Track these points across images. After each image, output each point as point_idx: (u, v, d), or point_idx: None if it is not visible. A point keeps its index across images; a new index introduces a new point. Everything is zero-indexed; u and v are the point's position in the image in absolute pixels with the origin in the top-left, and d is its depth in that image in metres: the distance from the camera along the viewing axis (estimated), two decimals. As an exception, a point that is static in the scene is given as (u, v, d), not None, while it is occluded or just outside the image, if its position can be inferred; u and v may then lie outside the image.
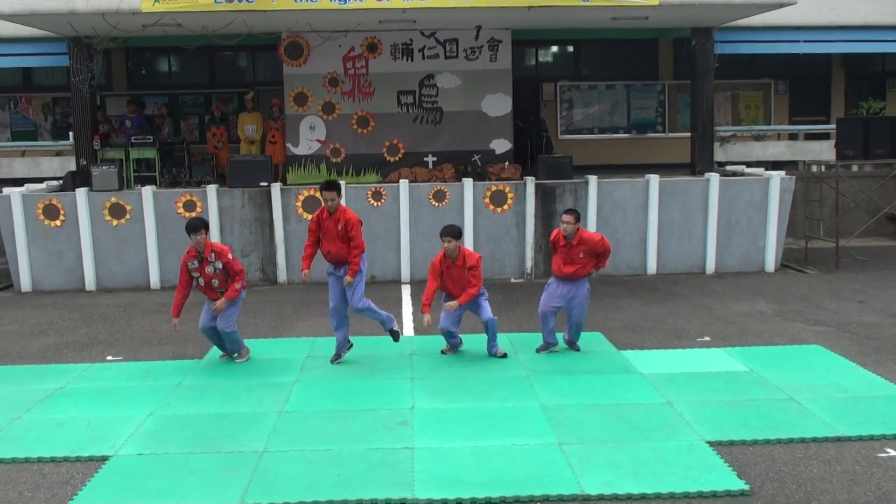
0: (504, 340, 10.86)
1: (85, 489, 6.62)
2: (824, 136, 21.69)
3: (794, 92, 22.89)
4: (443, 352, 10.49)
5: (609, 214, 15.73)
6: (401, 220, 15.51)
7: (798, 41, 19.34)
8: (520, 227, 15.69)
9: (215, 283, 9.86)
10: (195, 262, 9.86)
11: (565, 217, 10.05)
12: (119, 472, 6.95)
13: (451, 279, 10.10)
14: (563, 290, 10.19)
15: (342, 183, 15.43)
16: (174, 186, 17.20)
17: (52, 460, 7.29)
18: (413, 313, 12.93)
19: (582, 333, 10.47)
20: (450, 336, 10.34)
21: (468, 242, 15.41)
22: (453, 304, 9.94)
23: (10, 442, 7.70)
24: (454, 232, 10.02)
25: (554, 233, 10.31)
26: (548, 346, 10.40)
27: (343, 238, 9.84)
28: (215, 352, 10.40)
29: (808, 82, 22.83)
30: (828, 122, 22.06)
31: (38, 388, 9.32)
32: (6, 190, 15.35)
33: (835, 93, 22.97)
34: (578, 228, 10.05)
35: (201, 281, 9.88)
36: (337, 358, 10.10)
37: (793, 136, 22.19)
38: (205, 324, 10.04)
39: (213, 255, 9.82)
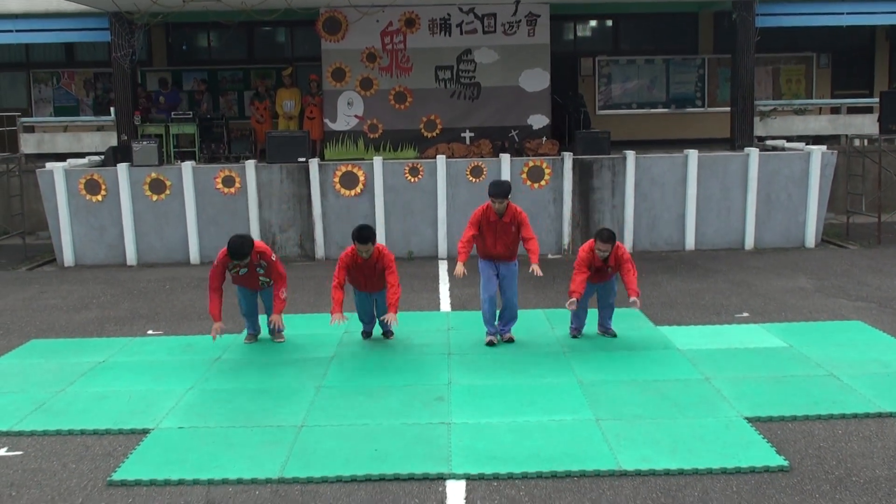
0: (541, 316, 10.86)
1: (127, 461, 6.71)
2: (867, 110, 21.38)
3: (836, 65, 22.59)
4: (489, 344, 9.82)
5: (647, 190, 15.64)
6: (438, 196, 15.51)
7: (841, 13, 19.06)
8: (557, 202, 15.64)
9: (262, 277, 9.68)
10: (235, 267, 9.55)
11: (601, 245, 9.27)
12: (160, 445, 7.04)
13: (493, 233, 9.54)
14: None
15: (379, 159, 15.49)
16: (213, 162, 17.30)
17: (95, 433, 7.40)
18: (450, 289, 12.95)
19: (619, 310, 10.39)
20: (492, 305, 9.72)
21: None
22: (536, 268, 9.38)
23: (54, 414, 7.82)
24: (505, 191, 9.41)
25: (586, 249, 9.50)
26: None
27: (380, 275, 9.60)
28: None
29: (851, 55, 22.52)
30: (871, 96, 21.74)
31: (80, 361, 9.45)
32: (49, 165, 15.52)
33: (878, 66, 22.64)
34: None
35: (241, 271, 9.59)
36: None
37: (835, 110, 21.92)
38: (250, 309, 9.99)
39: (259, 258, 9.53)
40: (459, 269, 9.46)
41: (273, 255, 9.68)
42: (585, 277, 9.39)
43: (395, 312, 9.36)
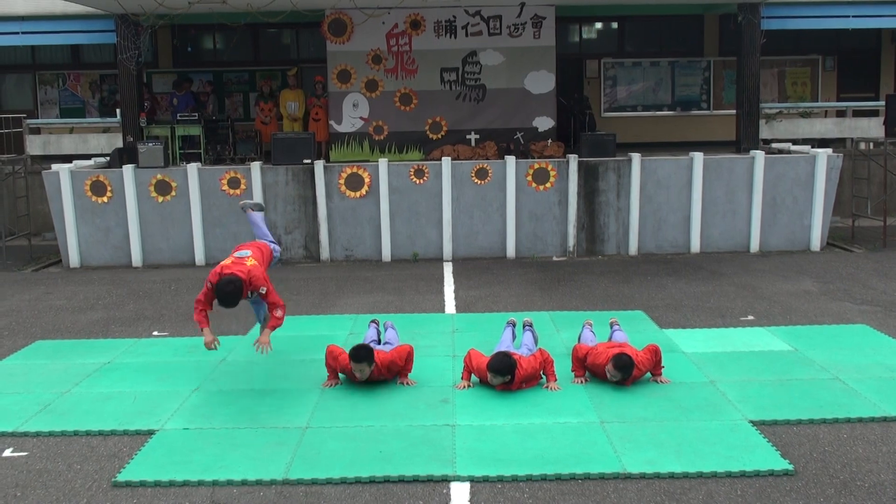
0: (546, 318, 10.85)
1: (132, 462, 6.72)
2: (873, 113, 21.37)
3: (842, 68, 22.56)
4: None
5: (652, 192, 15.63)
6: (443, 198, 15.51)
7: (847, 16, 19.02)
8: (562, 205, 15.63)
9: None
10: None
11: (615, 372, 8.20)
12: (165, 446, 7.05)
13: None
14: None
15: (384, 160, 15.50)
16: (219, 163, 17.31)
17: (100, 433, 7.41)
18: (455, 291, 12.95)
19: (624, 312, 10.39)
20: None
21: (510, 220, 15.41)
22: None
23: (60, 415, 7.84)
24: (508, 369, 8.07)
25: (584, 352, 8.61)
26: None
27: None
28: (258, 329, 10.33)
29: (856, 58, 22.49)
30: (877, 99, 21.73)
31: (86, 362, 9.47)
32: (55, 166, 15.55)
33: (884, 68, 22.61)
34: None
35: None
36: None
37: (840, 113, 21.89)
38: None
39: (250, 295, 8.38)
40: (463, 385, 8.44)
41: (264, 287, 8.35)
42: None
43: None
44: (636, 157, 15.58)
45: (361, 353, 8.19)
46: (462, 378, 8.44)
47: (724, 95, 21.87)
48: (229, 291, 8.02)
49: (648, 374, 8.46)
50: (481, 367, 8.24)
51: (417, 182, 15.53)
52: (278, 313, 8.45)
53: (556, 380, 8.32)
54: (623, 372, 8.13)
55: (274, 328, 8.47)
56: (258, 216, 9.72)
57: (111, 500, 6.16)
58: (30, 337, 10.71)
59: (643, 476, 6.33)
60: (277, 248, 9.47)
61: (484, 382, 8.31)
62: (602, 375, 8.34)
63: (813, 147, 16.99)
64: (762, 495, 6.03)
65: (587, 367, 8.49)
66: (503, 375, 8.07)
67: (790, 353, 9.28)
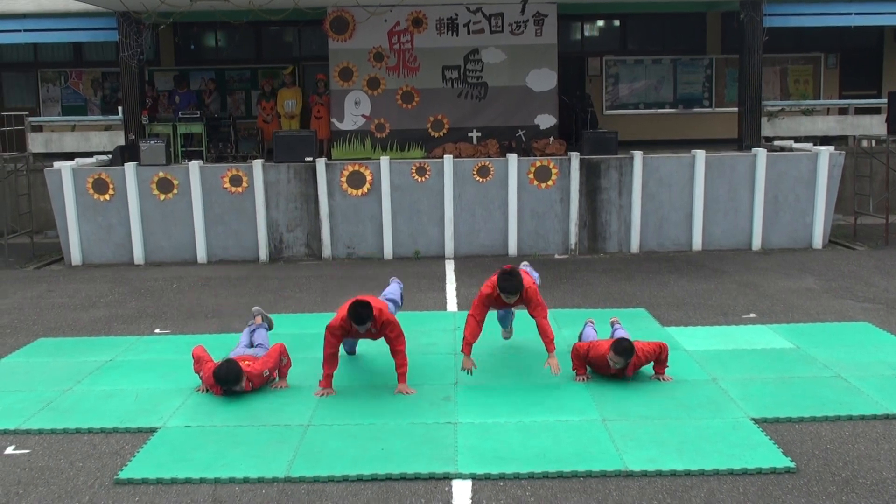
0: (548, 316, 10.82)
1: (134, 460, 6.73)
2: (875, 111, 21.36)
3: (844, 66, 22.55)
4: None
5: (654, 190, 15.62)
6: (445, 196, 15.50)
7: (849, 13, 19.00)
8: (564, 202, 15.62)
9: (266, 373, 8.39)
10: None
11: (616, 358, 8.15)
12: (167, 444, 7.05)
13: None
14: None
15: (386, 158, 15.49)
16: (220, 161, 17.32)
17: (102, 431, 7.41)
18: (456, 289, 12.95)
19: (626, 310, 10.38)
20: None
21: (511, 218, 15.40)
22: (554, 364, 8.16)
23: (62, 413, 7.84)
24: (517, 287, 8.14)
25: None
26: None
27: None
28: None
29: (859, 56, 22.48)
30: (879, 97, 21.71)
31: (87, 360, 9.47)
32: (57, 164, 15.55)
33: (887, 66, 22.60)
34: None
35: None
36: None
37: (843, 111, 21.89)
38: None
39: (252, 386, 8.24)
40: (469, 364, 8.22)
41: (265, 371, 8.31)
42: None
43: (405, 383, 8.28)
44: (638, 155, 15.57)
45: (362, 312, 7.90)
46: (465, 355, 8.22)
47: (726, 93, 21.87)
48: (226, 371, 8.03)
49: (651, 371, 8.46)
50: (490, 293, 8.23)
51: (419, 180, 15.52)
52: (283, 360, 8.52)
53: (554, 352, 8.19)
54: (624, 356, 8.09)
55: (287, 373, 8.57)
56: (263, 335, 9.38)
57: (113, 498, 6.17)
58: (32, 335, 10.72)
59: (645, 474, 6.32)
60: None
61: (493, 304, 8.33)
62: (605, 367, 8.32)
63: (815, 145, 16.97)
64: (764, 493, 6.03)
65: (590, 362, 8.48)
66: (515, 293, 8.15)
67: (792, 351, 9.28)
